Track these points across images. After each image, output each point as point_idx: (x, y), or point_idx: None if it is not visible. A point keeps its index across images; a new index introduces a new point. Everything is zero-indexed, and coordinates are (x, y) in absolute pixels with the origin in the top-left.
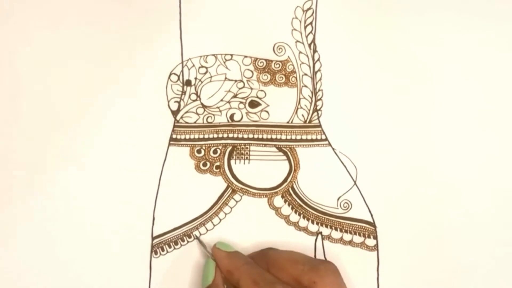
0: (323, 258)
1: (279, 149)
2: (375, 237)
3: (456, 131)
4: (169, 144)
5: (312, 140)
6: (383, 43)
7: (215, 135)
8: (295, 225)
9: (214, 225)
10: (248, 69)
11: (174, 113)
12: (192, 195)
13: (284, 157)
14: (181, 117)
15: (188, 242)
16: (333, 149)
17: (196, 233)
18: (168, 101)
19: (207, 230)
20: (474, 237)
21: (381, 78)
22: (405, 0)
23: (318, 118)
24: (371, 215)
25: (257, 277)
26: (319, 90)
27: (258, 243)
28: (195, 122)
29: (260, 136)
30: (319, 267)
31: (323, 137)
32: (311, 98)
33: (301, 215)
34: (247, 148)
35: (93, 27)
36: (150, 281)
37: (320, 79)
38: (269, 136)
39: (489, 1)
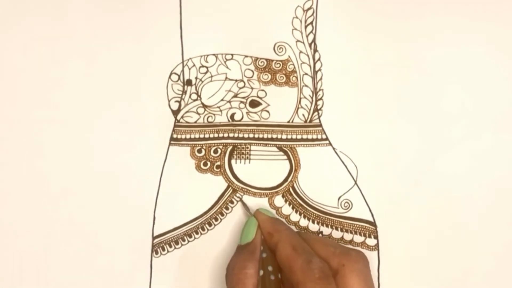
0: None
1: (280, 148)
2: (376, 237)
3: (456, 131)
4: (170, 144)
5: (312, 140)
6: (383, 43)
7: (216, 135)
8: (296, 224)
9: (215, 225)
10: (249, 69)
11: (175, 112)
12: (193, 194)
13: (285, 157)
14: (182, 117)
15: (188, 241)
16: (333, 148)
17: (240, 196)
18: (169, 101)
19: (208, 230)
20: (474, 236)
21: (382, 78)
22: (405, 0)
23: (319, 117)
24: (372, 215)
25: (296, 243)
26: (319, 90)
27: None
28: (195, 122)
29: (261, 136)
30: (350, 252)
31: (324, 136)
32: (312, 98)
33: (302, 215)
34: (247, 147)
35: (93, 26)
36: (150, 280)
37: (321, 79)
38: (269, 136)
39: (489, 2)
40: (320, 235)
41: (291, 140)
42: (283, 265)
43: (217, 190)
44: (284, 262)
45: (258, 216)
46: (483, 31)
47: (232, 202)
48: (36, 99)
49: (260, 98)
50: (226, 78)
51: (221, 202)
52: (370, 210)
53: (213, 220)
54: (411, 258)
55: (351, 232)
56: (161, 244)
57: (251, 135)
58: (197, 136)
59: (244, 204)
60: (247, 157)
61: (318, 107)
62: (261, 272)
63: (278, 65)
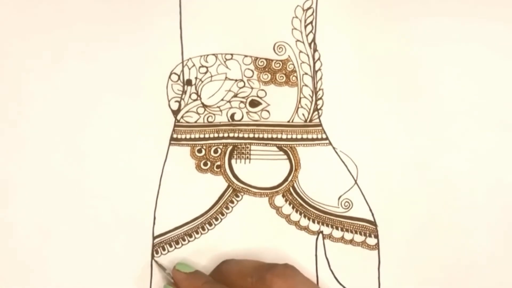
0: (282, 264)
1: (280, 148)
2: (376, 236)
3: (456, 130)
4: (170, 144)
5: (312, 139)
6: (383, 42)
7: (216, 135)
8: (296, 224)
9: (215, 225)
10: (249, 69)
11: (175, 112)
12: (193, 194)
13: (285, 157)
14: (182, 117)
15: (189, 241)
16: (333, 148)
17: (156, 258)
18: (169, 101)
19: (208, 230)
20: (474, 235)
21: (382, 77)
22: (405, 0)
23: (319, 117)
24: (372, 214)
25: None
26: (319, 89)
27: (259, 242)
28: (195, 122)
29: (261, 136)
30: (265, 277)
31: (324, 136)
32: (312, 97)
33: (302, 214)
34: (247, 147)
35: (93, 26)
36: (151, 280)
37: (321, 78)
38: (269, 136)
39: (489, 2)
40: (320, 234)
41: (291, 139)
42: None
43: (217, 190)
44: None
45: (175, 277)
46: (484, 30)
47: (232, 202)
48: (36, 99)
49: (260, 98)
50: (226, 78)
51: (221, 202)
52: (371, 210)
53: (214, 220)
54: (411, 257)
55: (351, 232)
56: (161, 244)
57: (251, 135)
58: (197, 136)
59: (160, 266)
60: (247, 157)
61: (318, 107)
62: None
63: (278, 64)
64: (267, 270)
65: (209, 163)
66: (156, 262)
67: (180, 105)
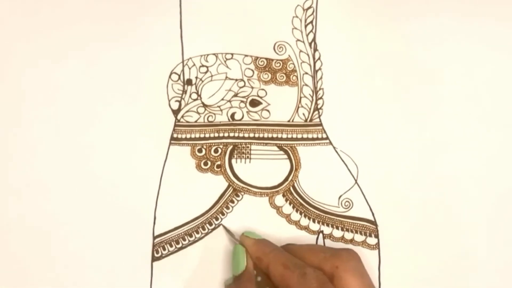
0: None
1: (280, 148)
2: (376, 236)
3: (457, 129)
4: (170, 144)
5: (313, 139)
6: (383, 42)
7: (216, 134)
8: (296, 224)
9: (215, 224)
10: (249, 68)
11: (175, 112)
12: (193, 194)
13: (285, 156)
14: (182, 116)
15: (189, 241)
16: (334, 147)
17: (222, 222)
18: (169, 101)
19: (209, 229)
20: (475, 235)
21: (382, 77)
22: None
23: (319, 116)
24: (372, 214)
25: (286, 261)
26: (320, 89)
27: None
28: (196, 121)
29: (261, 135)
30: (341, 253)
31: (324, 135)
32: (312, 97)
33: (302, 214)
34: (248, 147)
35: (93, 26)
36: (151, 280)
37: (321, 78)
38: (270, 135)
39: (490, 1)
40: (320, 234)
41: (292, 139)
42: (280, 285)
43: (217, 190)
44: (280, 282)
45: (244, 242)
46: (484, 30)
47: (232, 202)
48: (36, 99)
49: (260, 97)
50: (226, 77)
51: (221, 201)
52: (371, 209)
53: (214, 220)
54: (411, 257)
55: (351, 231)
56: (161, 243)
57: (252, 135)
58: (197, 135)
59: (227, 230)
60: (248, 157)
61: (319, 106)
62: None
63: (278, 64)
64: (342, 249)
65: (209, 163)
66: (224, 226)
67: (180, 105)
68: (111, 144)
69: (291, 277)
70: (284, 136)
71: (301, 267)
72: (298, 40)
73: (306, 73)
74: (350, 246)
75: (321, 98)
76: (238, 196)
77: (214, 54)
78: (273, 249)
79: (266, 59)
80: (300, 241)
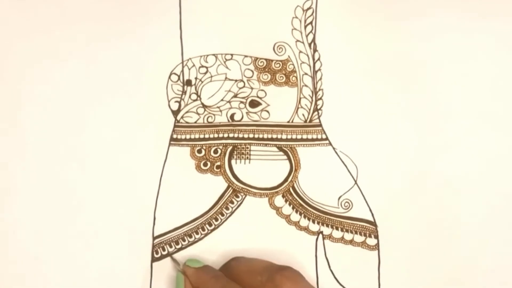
0: (284, 266)
1: (280, 148)
2: (376, 237)
3: (456, 130)
4: (170, 144)
5: (312, 140)
6: (383, 42)
7: (216, 135)
8: (296, 224)
9: (215, 225)
10: (249, 69)
11: (175, 113)
12: (193, 195)
13: (285, 157)
14: (182, 117)
15: (189, 242)
16: (333, 148)
17: (171, 252)
18: (169, 101)
19: (208, 230)
20: (475, 235)
21: (382, 77)
22: None
23: (319, 117)
24: (372, 215)
25: None
26: (319, 90)
27: (259, 243)
28: (195, 122)
29: (261, 136)
30: (275, 277)
31: (324, 136)
32: (312, 98)
33: (302, 215)
34: (247, 147)
35: (92, 26)
36: (151, 280)
37: (321, 79)
38: (269, 136)
39: (489, 1)
40: (320, 235)
41: (291, 140)
42: None
43: (217, 190)
44: None
45: (185, 271)
46: (484, 30)
47: (232, 202)
48: (35, 99)
49: (260, 98)
50: (226, 78)
51: (221, 202)
52: (370, 210)
53: (213, 220)
54: (411, 257)
55: (351, 232)
56: (161, 244)
57: (251, 135)
58: (197, 136)
59: (173, 259)
60: (247, 157)
61: (318, 107)
62: None
63: (278, 65)
64: (277, 271)
65: (209, 164)
66: (172, 258)
67: (180, 106)
68: (111, 144)
69: None
70: (284, 136)
71: None
72: (297, 40)
73: (306, 73)
74: (349, 246)
75: (320, 98)
76: (238, 197)
77: (213, 54)
78: (211, 277)
79: (266, 59)
80: (299, 242)
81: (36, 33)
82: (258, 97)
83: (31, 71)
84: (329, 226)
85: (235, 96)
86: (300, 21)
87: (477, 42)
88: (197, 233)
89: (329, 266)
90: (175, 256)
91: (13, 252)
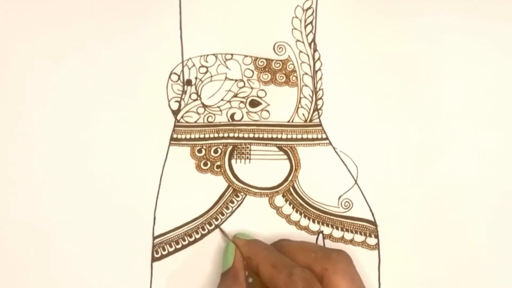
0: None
1: (280, 148)
2: (376, 236)
3: (457, 130)
4: (170, 144)
5: (312, 139)
6: (383, 42)
7: (216, 135)
8: (296, 224)
9: (215, 225)
10: (249, 69)
11: (175, 112)
12: (193, 194)
13: (285, 156)
14: (182, 117)
15: (189, 241)
16: (334, 148)
17: (217, 222)
18: (169, 101)
19: (209, 230)
20: (475, 235)
21: (382, 77)
22: None
23: (319, 117)
24: (372, 214)
25: (275, 261)
26: (319, 89)
27: None
28: (195, 122)
29: (261, 136)
30: (331, 255)
31: (324, 136)
32: (312, 97)
33: (302, 214)
34: (247, 147)
35: (93, 27)
36: (151, 280)
37: (321, 78)
38: (269, 136)
39: (489, 1)
40: (320, 234)
41: (291, 139)
42: (268, 285)
43: (217, 190)
44: (268, 282)
45: (235, 243)
46: (484, 29)
47: (232, 202)
48: (35, 99)
49: (260, 97)
50: (226, 78)
51: (221, 202)
52: (371, 210)
53: (214, 220)
54: (411, 257)
55: (351, 232)
56: (161, 244)
57: (251, 135)
58: (197, 136)
59: (222, 231)
60: (247, 157)
61: (318, 107)
62: None
63: (278, 64)
64: (333, 250)
65: (209, 163)
66: (221, 229)
67: (180, 105)
68: (111, 144)
69: (279, 277)
70: (284, 136)
71: (289, 267)
72: (297, 40)
73: (306, 73)
74: (350, 246)
75: (320, 98)
76: (238, 196)
77: (213, 54)
78: (263, 248)
79: (266, 59)
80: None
81: (36, 33)
82: (258, 96)
83: (30, 71)
84: (329, 225)
85: (235, 95)
86: (300, 21)
87: (477, 42)
88: (197, 233)
89: None
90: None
91: (13, 252)
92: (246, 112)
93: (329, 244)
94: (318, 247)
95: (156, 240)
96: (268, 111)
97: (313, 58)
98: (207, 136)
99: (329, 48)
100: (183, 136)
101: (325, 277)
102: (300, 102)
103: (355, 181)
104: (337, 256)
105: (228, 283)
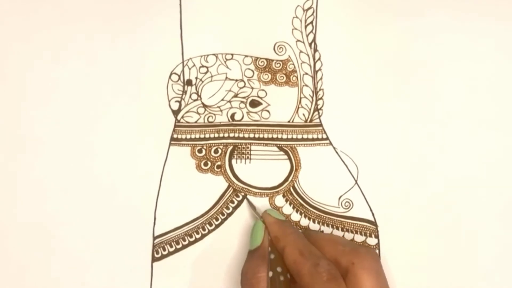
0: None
1: (280, 148)
2: (377, 236)
3: (457, 130)
4: (170, 144)
5: (313, 139)
6: (383, 42)
7: (216, 135)
8: (297, 224)
9: (215, 225)
10: (249, 69)
11: (175, 112)
12: (193, 194)
13: (285, 157)
14: (182, 117)
15: (189, 241)
16: (334, 148)
17: (248, 197)
18: (169, 101)
19: (209, 230)
20: (474, 235)
21: (382, 77)
22: None
23: (319, 117)
24: (373, 214)
25: (302, 248)
26: (320, 89)
27: None
28: (196, 122)
29: (261, 136)
30: (359, 250)
31: (324, 136)
32: (312, 97)
33: (303, 214)
34: (248, 147)
35: (93, 27)
36: (151, 280)
37: (321, 78)
38: (270, 136)
39: (489, 1)
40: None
41: (292, 139)
42: (291, 269)
43: (217, 190)
44: (292, 267)
45: (265, 218)
46: (484, 29)
47: (232, 202)
48: (36, 99)
49: (261, 98)
50: (226, 78)
51: (221, 202)
52: (371, 210)
53: (214, 220)
54: (411, 257)
55: (352, 232)
56: (161, 244)
57: (252, 135)
58: (197, 136)
59: (251, 204)
60: (248, 157)
61: (319, 107)
62: (270, 274)
63: (278, 64)
64: (361, 246)
65: (209, 163)
66: (248, 200)
67: (180, 105)
68: (111, 144)
69: (304, 265)
70: (284, 136)
71: (316, 257)
72: (298, 40)
73: (306, 73)
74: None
75: (321, 98)
76: (238, 196)
77: (214, 54)
78: (292, 232)
79: (266, 59)
80: None
81: (35, 33)
82: (258, 97)
83: (30, 71)
84: (330, 225)
85: (236, 96)
86: (301, 21)
87: (477, 42)
88: (198, 233)
89: None
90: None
91: (14, 252)
92: (247, 112)
93: None
94: (346, 241)
95: (156, 240)
96: (268, 111)
97: (314, 58)
98: (207, 136)
99: (330, 48)
100: (184, 136)
101: (351, 271)
102: (300, 102)
103: (355, 181)
104: (365, 252)
105: (255, 262)
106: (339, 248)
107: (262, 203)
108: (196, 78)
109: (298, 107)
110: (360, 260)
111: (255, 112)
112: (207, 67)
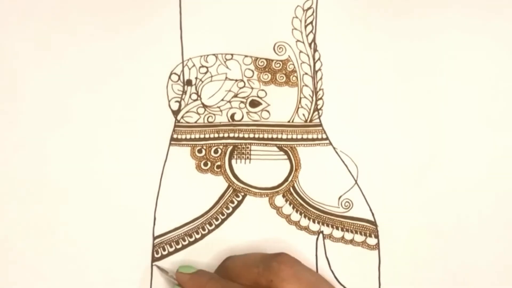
0: (278, 253)
1: (280, 148)
2: (376, 236)
3: (457, 129)
4: (170, 144)
5: (313, 140)
6: (383, 42)
7: (216, 135)
8: (296, 224)
9: (215, 225)
10: (249, 69)
11: (175, 113)
12: (193, 195)
13: (285, 157)
14: (182, 117)
15: (189, 242)
16: (334, 148)
17: (156, 263)
18: (169, 101)
19: (209, 230)
20: (475, 235)
21: (382, 77)
22: None
23: (319, 117)
24: (372, 214)
25: None
26: (319, 89)
27: (259, 243)
28: (195, 122)
29: (261, 136)
30: (271, 265)
31: (324, 136)
32: (312, 98)
33: (302, 214)
34: (248, 147)
35: (92, 26)
36: (151, 281)
37: (321, 78)
38: (270, 136)
39: (490, 1)
40: (320, 234)
41: (292, 140)
42: None
43: (217, 190)
44: None
45: (179, 279)
46: (485, 29)
47: (232, 202)
48: (36, 99)
49: (260, 98)
50: (226, 78)
51: (221, 202)
52: (371, 210)
53: (214, 220)
54: (411, 257)
55: (351, 232)
56: (161, 244)
57: (252, 135)
58: (197, 136)
59: (161, 270)
60: (248, 157)
61: (318, 107)
62: None
63: (278, 65)
64: (273, 259)
65: (209, 163)
66: (158, 266)
67: (180, 105)
68: (111, 144)
69: None
70: (284, 136)
71: None
72: (298, 40)
73: (306, 73)
74: (350, 246)
75: (321, 98)
76: (238, 196)
77: (214, 54)
78: (208, 280)
79: (266, 59)
80: (299, 242)
81: (35, 33)
82: (258, 97)
83: (29, 71)
84: (330, 225)
85: (236, 96)
86: (301, 21)
87: (478, 41)
88: (198, 233)
89: (330, 266)
90: (159, 263)
91: (14, 252)
92: (246, 112)
93: (329, 244)
94: (259, 259)
95: (156, 240)
96: (268, 111)
97: (313, 58)
98: (207, 136)
99: (329, 48)
100: (183, 136)
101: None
102: (300, 102)
103: (355, 181)
104: (277, 264)
105: None
106: (254, 271)
107: (262, 203)
108: (196, 78)
109: (298, 107)
110: (275, 274)
111: (255, 112)
112: (207, 67)
